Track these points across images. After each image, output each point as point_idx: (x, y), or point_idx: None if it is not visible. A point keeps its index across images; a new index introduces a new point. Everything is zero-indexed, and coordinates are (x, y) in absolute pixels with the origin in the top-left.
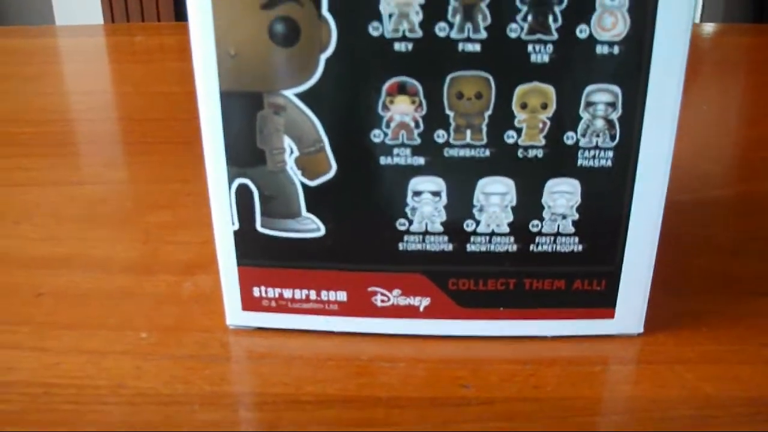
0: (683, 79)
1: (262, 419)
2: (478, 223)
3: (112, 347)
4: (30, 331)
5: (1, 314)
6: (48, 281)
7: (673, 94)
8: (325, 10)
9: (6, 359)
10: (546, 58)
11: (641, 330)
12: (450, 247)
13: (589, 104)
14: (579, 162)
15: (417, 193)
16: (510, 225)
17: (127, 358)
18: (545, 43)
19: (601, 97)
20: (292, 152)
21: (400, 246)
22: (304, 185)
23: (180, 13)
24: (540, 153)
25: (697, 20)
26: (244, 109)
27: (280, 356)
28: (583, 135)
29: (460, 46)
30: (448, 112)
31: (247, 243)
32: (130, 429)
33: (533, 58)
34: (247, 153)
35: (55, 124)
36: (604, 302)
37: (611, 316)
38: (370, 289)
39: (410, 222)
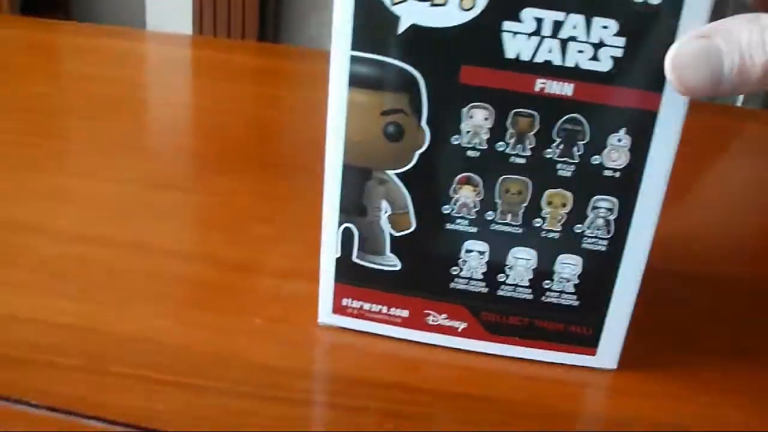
0: (663, 196)
1: (335, 389)
2: (507, 276)
3: (234, 327)
4: (173, 308)
5: (147, 291)
6: (181, 270)
7: (656, 206)
8: (423, 123)
9: (158, 329)
10: (569, 174)
11: (615, 366)
12: (486, 290)
13: (594, 208)
14: (583, 245)
15: (468, 251)
16: (529, 281)
17: (244, 338)
18: (569, 164)
19: (603, 204)
20: (386, 211)
21: (451, 284)
22: (390, 234)
23: (263, 32)
24: (556, 236)
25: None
26: (358, 177)
27: (354, 349)
28: (588, 227)
29: (511, 159)
30: (497, 200)
31: (344, 267)
32: (243, 390)
33: (560, 172)
34: (355, 206)
35: (162, 135)
36: (589, 343)
37: (594, 354)
38: (425, 311)
39: (460, 269)
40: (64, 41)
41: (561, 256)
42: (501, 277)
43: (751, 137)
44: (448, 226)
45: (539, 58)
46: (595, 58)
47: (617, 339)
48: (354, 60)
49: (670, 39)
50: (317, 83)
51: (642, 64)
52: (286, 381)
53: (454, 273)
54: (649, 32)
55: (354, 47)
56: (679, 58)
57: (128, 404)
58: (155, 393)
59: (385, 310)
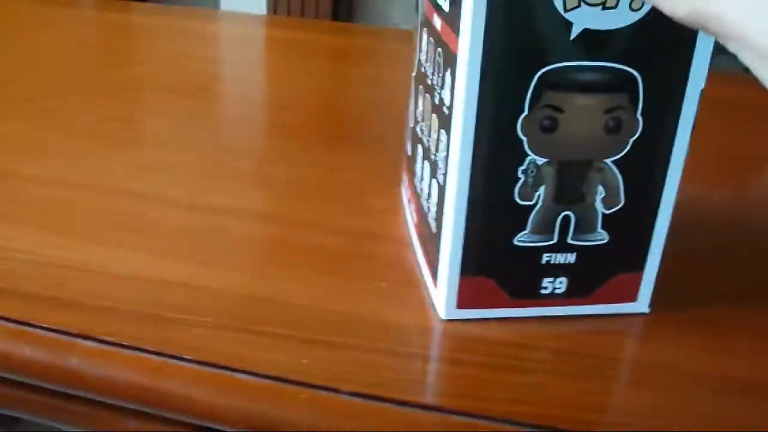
0: (469, 147)
1: (458, 346)
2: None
3: (361, 290)
4: (303, 272)
5: (276, 257)
6: (306, 238)
7: (461, 155)
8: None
9: (291, 292)
10: (437, 101)
11: (445, 315)
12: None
13: (439, 140)
14: (437, 174)
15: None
16: (428, 193)
17: (371, 299)
18: (437, 92)
19: (443, 138)
20: None
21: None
22: None
23: (336, 12)
24: (432, 158)
25: None
26: None
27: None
28: (439, 159)
29: (426, 78)
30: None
31: None
32: (375, 346)
33: (435, 99)
34: None
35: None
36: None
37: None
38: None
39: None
40: (146, 23)
41: (431, 180)
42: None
43: None
44: None
45: None
46: None
47: (448, 283)
48: None
49: None
50: (393, 61)
51: (459, 7)
52: (413, 338)
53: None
54: None
55: None
56: None
57: (274, 359)
58: (296, 349)
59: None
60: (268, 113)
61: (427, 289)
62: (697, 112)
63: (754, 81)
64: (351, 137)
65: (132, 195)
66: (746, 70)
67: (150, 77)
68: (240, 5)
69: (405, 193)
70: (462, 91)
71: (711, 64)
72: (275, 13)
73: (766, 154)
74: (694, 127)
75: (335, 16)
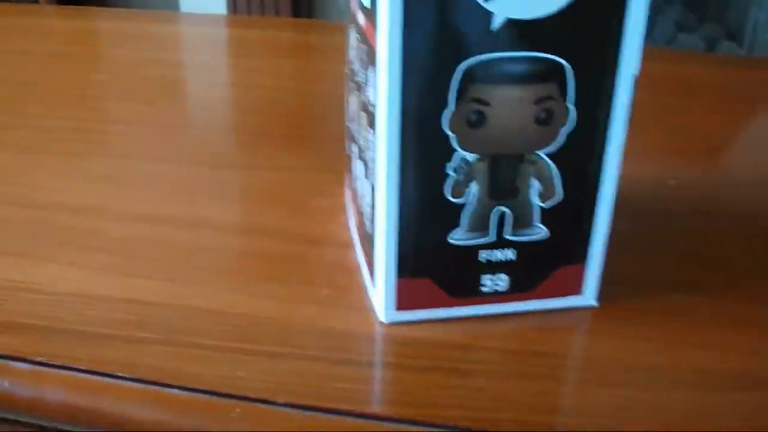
0: (395, 145)
1: (402, 351)
2: None
3: (303, 297)
4: (243, 281)
5: (216, 266)
6: (247, 245)
7: (387, 155)
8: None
9: (229, 301)
10: (367, 101)
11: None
12: None
13: (367, 140)
14: (367, 176)
15: None
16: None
17: (313, 306)
18: (365, 91)
19: (371, 138)
20: None
21: None
22: None
23: (297, 9)
24: (366, 158)
25: None
26: None
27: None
28: (369, 159)
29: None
30: None
31: None
32: (315, 354)
33: (362, 98)
34: None
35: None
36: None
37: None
38: None
39: None
40: (107, 28)
41: (365, 180)
42: None
43: None
44: None
45: None
46: None
47: (385, 285)
48: None
49: None
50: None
51: (376, 2)
52: (355, 345)
53: None
54: None
55: None
56: None
57: (210, 373)
58: (233, 362)
59: None
60: (227, 117)
61: (367, 292)
62: (633, 98)
63: (713, 60)
64: (309, 137)
65: (73, 209)
66: (708, 48)
67: (108, 85)
68: (200, 6)
69: (347, 194)
70: (384, 88)
71: (672, 43)
72: (235, 11)
73: (724, 136)
74: (631, 114)
75: (296, 11)
